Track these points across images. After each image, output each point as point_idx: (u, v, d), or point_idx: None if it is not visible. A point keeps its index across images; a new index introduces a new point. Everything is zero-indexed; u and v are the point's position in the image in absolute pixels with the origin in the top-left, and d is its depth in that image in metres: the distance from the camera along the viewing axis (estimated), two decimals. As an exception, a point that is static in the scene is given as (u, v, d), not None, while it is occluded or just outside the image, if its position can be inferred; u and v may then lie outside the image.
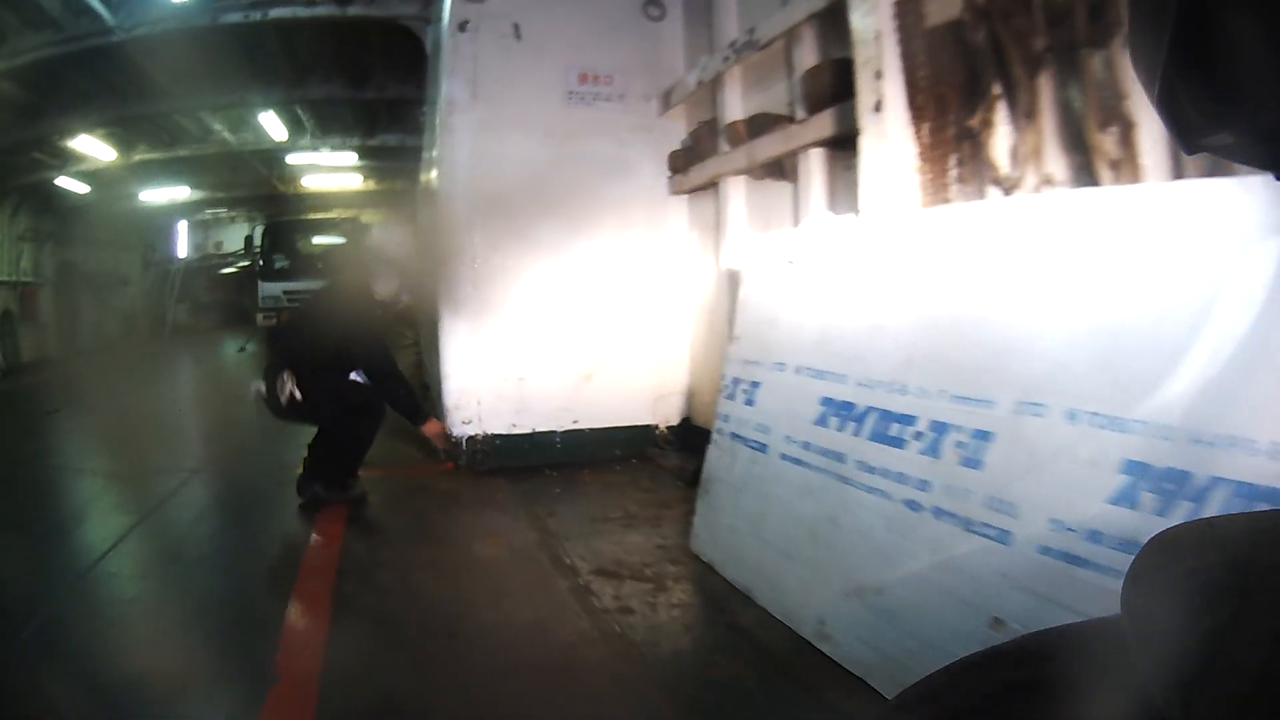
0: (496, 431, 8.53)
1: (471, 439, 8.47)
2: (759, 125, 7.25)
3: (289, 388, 6.97)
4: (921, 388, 4.08)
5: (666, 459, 8.69)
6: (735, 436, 5.67)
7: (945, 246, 4.27)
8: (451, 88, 8.50)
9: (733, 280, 7.23)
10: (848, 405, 4.58)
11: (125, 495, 8.13)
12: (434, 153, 9.43)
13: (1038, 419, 3.38)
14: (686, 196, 9.05)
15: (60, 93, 16.72)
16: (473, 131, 8.48)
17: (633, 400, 8.94)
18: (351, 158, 24.00)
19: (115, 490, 8.41)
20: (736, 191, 7.93)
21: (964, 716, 1.03)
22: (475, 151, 8.48)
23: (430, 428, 7.61)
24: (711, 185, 8.35)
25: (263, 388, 7.14)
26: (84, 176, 23.08)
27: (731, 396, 5.88)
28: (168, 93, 17.22)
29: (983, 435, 3.63)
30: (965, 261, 4.09)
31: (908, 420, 4.10)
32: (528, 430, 8.62)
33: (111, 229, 28.38)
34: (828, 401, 4.75)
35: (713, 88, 8.11)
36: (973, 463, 3.63)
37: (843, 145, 6.14)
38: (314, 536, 6.53)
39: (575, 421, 8.75)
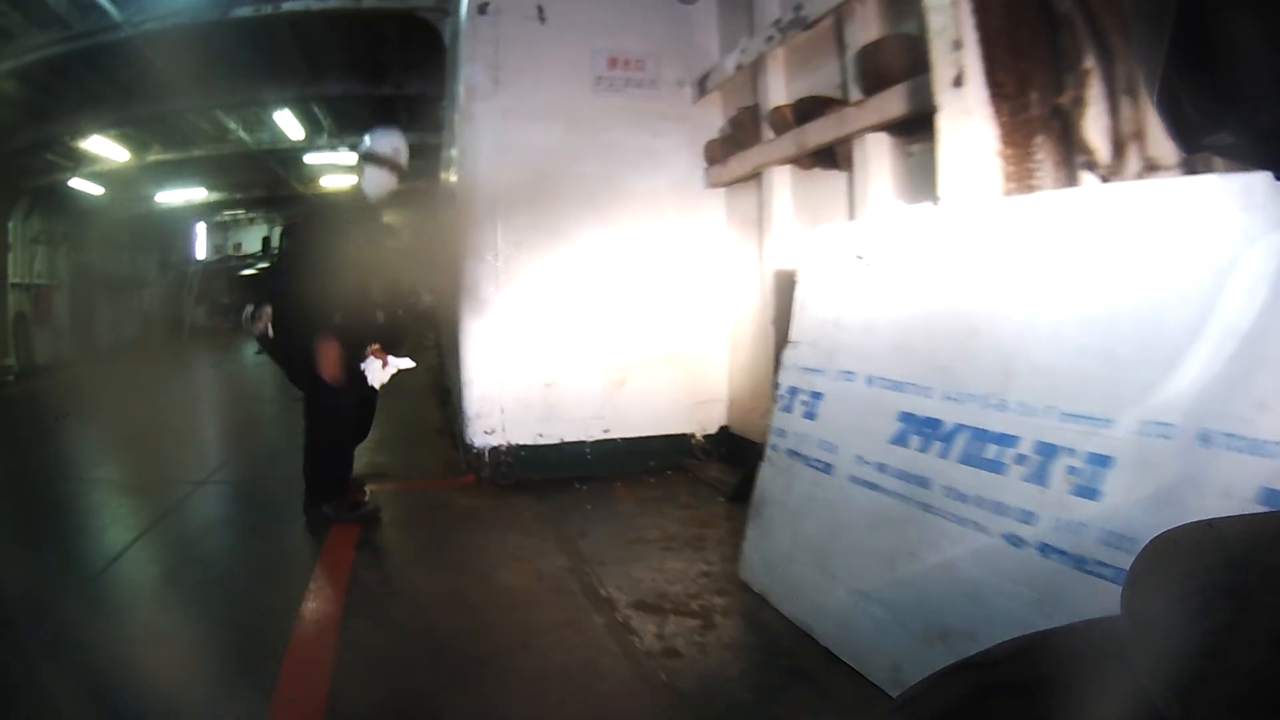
0: (521, 442, 7.95)
1: (494, 450, 7.87)
2: (808, 109, 6.65)
3: (263, 323, 6.76)
4: (1024, 403, 3.53)
5: (705, 470, 8.10)
6: (794, 454, 5.05)
7: (1044, 239, 3.72)
8: (472, 74, 7.91)
9: (783, 279, 6.59)
10: (932, 422, 4.00)
11: (119, 511, 7.63)
12: (453, 145, 8.92)
13: (1165, 440, 2.89)
14: (724, 190, 8.49)
15: (70, 92, 16.31)
16: (495, 120, 7.90)
17: (668, 407, 8.37)
18: None
19: (111, 504, 7.90)
20: (782, 182, 7.37)
21: (948, 717, 1.00)
22: (497, 142, 7.90)
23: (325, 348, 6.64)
24: (753, 177, 7.79)
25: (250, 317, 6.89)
26: (98, 178, 22.68)
27: (789, 408, 5.24)
28: (179, 91, 16.67)
29: (1100, 460, 3.11)
30: (1069, 257, 3.56)
31: (1008, 441, 3.55)
32: (555, 440, 8.04)
33: (128, 231, 28.16)
34: (908, 417, 4.18)
35: (753, 71, 7.55)
36: (1088, 492, 3.11)
37: (905, 129, 5.65)
38: (319, 565, 5.89)
39: (607, 431, 8.16)
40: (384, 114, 18.46)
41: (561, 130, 8.00)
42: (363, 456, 8.81)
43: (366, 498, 7.23)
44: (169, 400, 16.17)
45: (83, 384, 18.95)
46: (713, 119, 8.48)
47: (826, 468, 4.65)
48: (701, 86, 8.33)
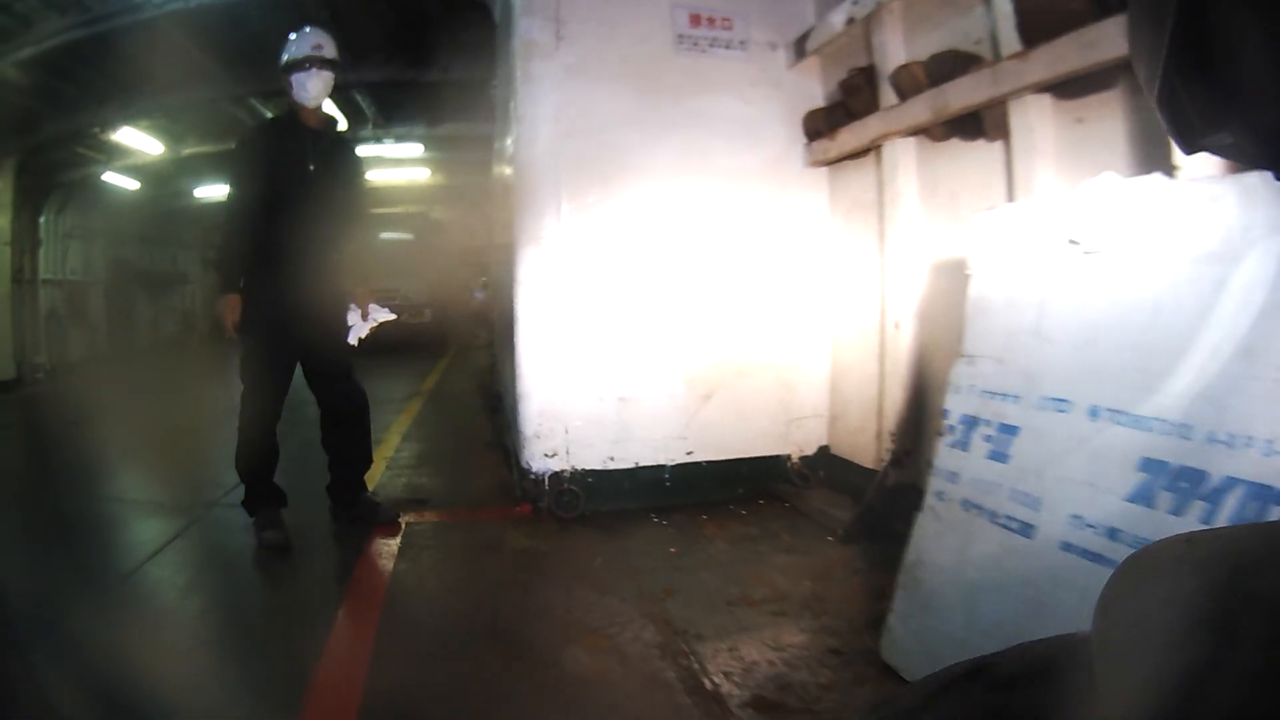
0: (589, 466, 6.62)
1: (556, 476, 6.53)
2: (945, 67, 5.37)
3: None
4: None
5: (803, 500, 6.76)
6: (971, 506, 3.89)
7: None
8: (529, 27, 6.56)
9: (939, 273, 5.62)
10: (1192, 474, 2.92)
11: (103, 542, 6.48)
12: (506, 115, 7.61)
13: None
14: (827, 169, 7.14)
15: (95, 81, 15.32)
16: (558, 82, 6.56)
17: (761, 425, 7.02)
18: (417, 149, 22.02)
19: (94, 531, 6.70)
20: (908, 157, 6.04)
21: None
22: (561, 107, 6.56)
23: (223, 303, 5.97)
24: (867, 152, 6.50)
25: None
26: (132, 172, 21.97)
27: (964, 445, 4.06)
28: (210, 78, 15.68)
29: None
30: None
31: (1307, 504, 2.64)
32: (629, 465, 6.71)
33: (167, 225, 27.58)
34: (1154, 466, 3.06)
35: (866, 28, 6.22)
36: None
37: (1070, 91, 4.64)
38: (330, 645, 4.46)
39: (690, 453, 6.82)
40: (430, 101, 17.91)
41: (636, 94, 6.69)
42: (401, 477, 7.62)
43: (400, 529, 6.20)
44: (199, 400, 14.77)
45: (111, 384, 18.41)
46: (809, 87, 7.13)
47: (1025, 529, 3.52)
48: (798, 49, 6.97)
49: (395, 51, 15.69)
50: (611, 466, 6.65)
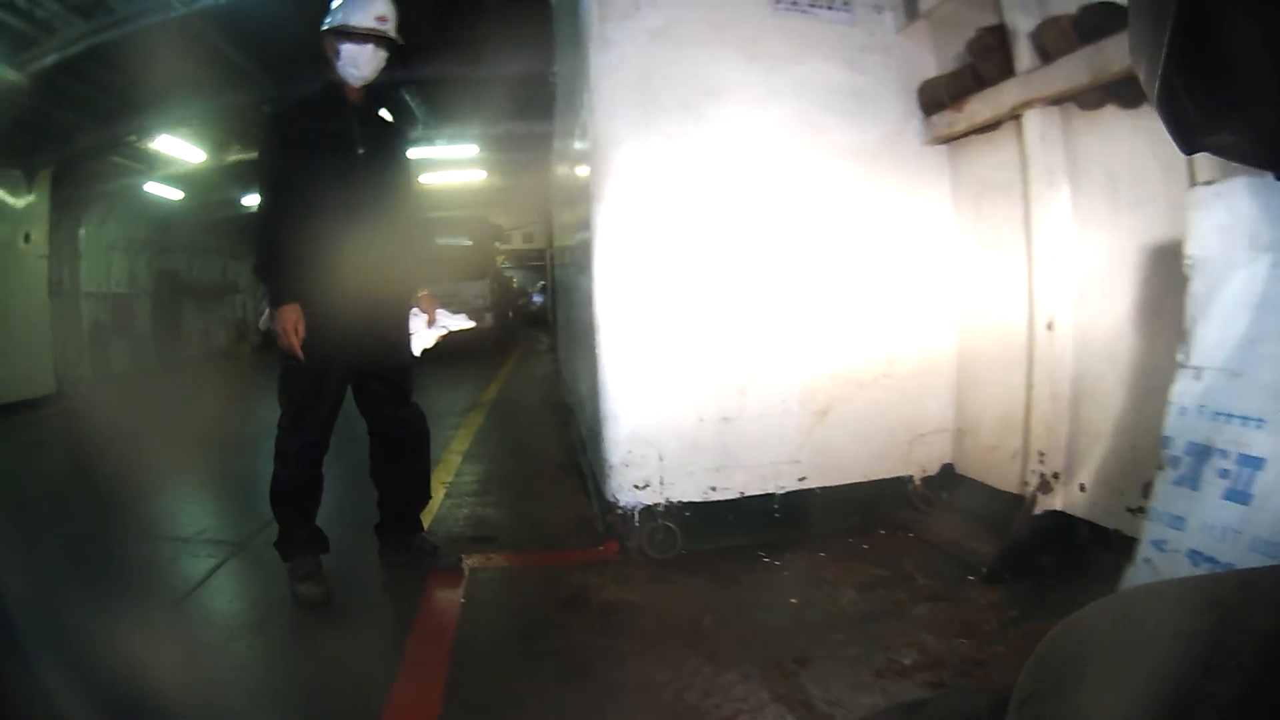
0: (687, 499, 5.56)
1: (648, 511, 5.48)
2: (1104, 20, 4.40)
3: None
4: None
5: (930, 529, 5.72)
6: (1201, 558, 3.18)
7: None
8: (606, -19, 5.57)
9: (1101, 265, 4.75)
10: None
11: (119, 581, 5.55)
12: (575, 90, 6.54)
13: None
14: (946, 148, 6.08)
15: (127, 88, 14.66)
16: (640, 47, 5.51)
17: (881, 443, 5.97)
18: (471, 150, 20.96)
19: (108, 568, 5.84)
20: (1054, 129, 5.01)
21: None
22: (645, 76, 5.51)
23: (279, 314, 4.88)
24: (994, 126, 5.50)
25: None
26: (175, 181, 21.37)
27: (1191, 481, 3.32)
28: (250, 79, 15.09)
29: None
30: None
31: None
32: (734, 494, 5.65)
33: (215, 235, 27.46)
34: None
35: None
36: None
37: None
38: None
39: (803, 479, 5.75)
40: (484, 99, 16.86)
41: (732, 61, 5.64)
42: (462, 506, 6.60)
43: (463, 577, 5.25)
44: (246, 414, 14.12)
45: (154, 397, 18.07)
46: (920, 55, 6.08)
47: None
48: (909, 9, 5.95)
49: (445, 46, 14.81)
50: (713, 498, 5.60)
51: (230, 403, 15.95)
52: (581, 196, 6.22)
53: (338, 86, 5.06)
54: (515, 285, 42.47)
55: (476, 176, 23.76)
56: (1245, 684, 0.72)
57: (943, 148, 6.08)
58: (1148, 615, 0.88)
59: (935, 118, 5.93)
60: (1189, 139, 0.84)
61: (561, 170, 9.30)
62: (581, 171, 6.30)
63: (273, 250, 4.86)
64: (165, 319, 24.56)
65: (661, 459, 5.50)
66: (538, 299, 39.98)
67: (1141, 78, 0.86)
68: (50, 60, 12.37)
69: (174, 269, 25.60)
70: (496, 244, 26.52)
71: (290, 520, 5.05)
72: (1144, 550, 3.46)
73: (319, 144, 4.90)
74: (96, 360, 20.07)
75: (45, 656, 3.26)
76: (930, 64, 6.04)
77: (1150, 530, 3.45)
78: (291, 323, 4.75)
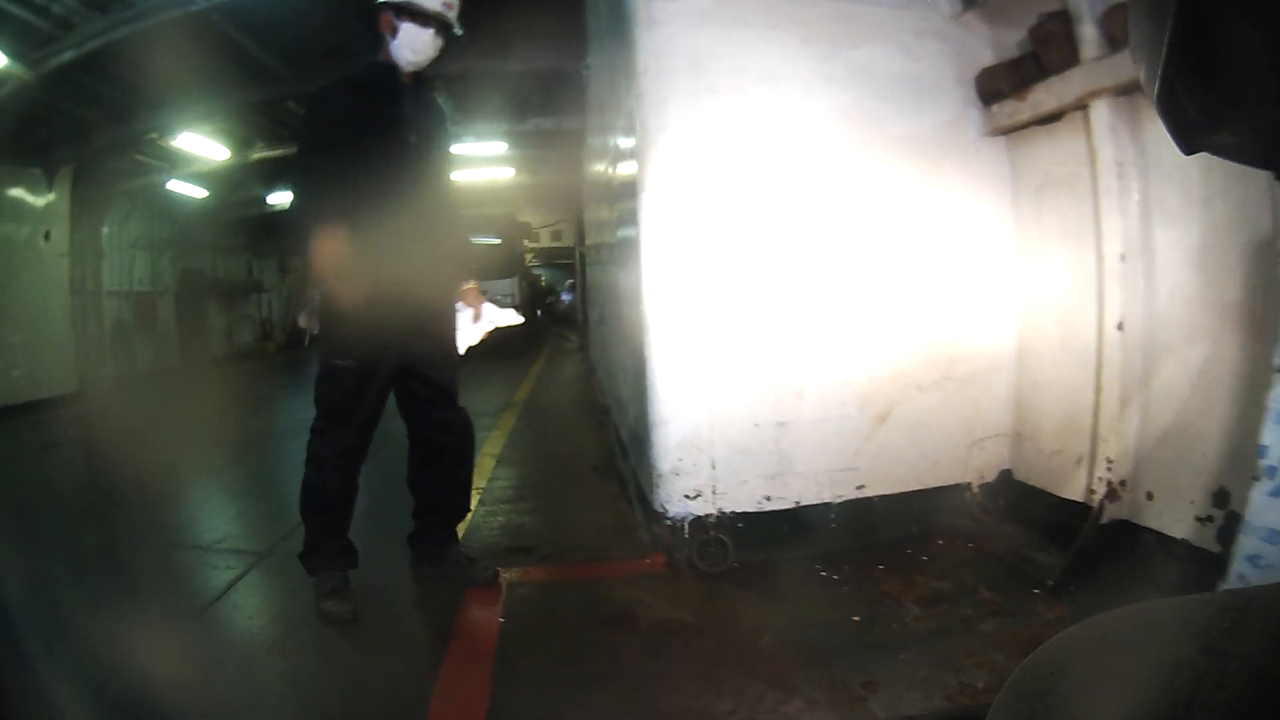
0: (740, 509, 5.22)
1: (699, 522, 5.15)
2: None
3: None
4: None
5: (989, 538, 5.42)
6: None
7: None
8: (653, -41, 5.23)
9: (1176, 262, 4.47)
10: None
11: (133, 589, 5.16)
12: (619, 73, 6.11)
13: None
14: (1005, 139, 5.74)
15: (146, 85, 14.31)
16: (690, 28, 5.16)
17: (940, 448, 5.64)
18: (500, 147, 20.57)
19: (121, 575, 5.53)
20: (1120, 120, 4.73)
21: None
22: (697, 59, 5.17)
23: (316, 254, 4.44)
24: (1057, 117, 5.22)
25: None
26: (199, 179, 21.36)
27: None
28: (273, 75, 14.82)
29: None
30: None
31: None
32: (789, 504, 5.30)
33: (240, 234, 27.88)
34: None
35: None
36: None
37: None
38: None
39: (860, 487, 5.42)
40: (512, 94, 16.69)
41: (787, 44, 5.30)
42: (497, 514, 6.27)
43: (500, 592, 4.89)
44: (270, 412, 14.22)
45: (177, 396, 17.95)
46: (976, 43, 5.74)
47: None
48: (969, -8, 5.63)
49: (471, 40, 14.42)
50: (767, 508, 5.26)
51: (254, 402, 15.77)
52: (626, 189, 5.91)
53: (389, 68, 4.66)
54: (544, 283, 42.27)
55: (505, 174, 23.46)
56: (1228, 713, 0.67)
57: (1001, 139, 5.75)
58: (1128, 644, 0.84)
59: (995, 108, 5.62)
60: (1189, 139, 0.80)
61: (598, 165, 8.97)
62: (626, 163, 5.99)
63: (305, 238, 4.44)
64: (189, 317, 24.53)
65: (714, 467, 5.17)
66: (566, 297, 39.74)
67: (1141, 78, 0.81)
68: (68, 57, 12.24)
69: (199, 267, 25.61)
70: (525, 242, 26.28)
71: (320, 531, 4.70)
72: (1238, 566, 3.34)
73: (368, 127, 4.52)
74: (119, 359, 20.07)
75: (49, 680, 3.02)
76: (986, 52, 5.71)
77: (1244, 545, 3.32)
78: (332, 249, 4.35)
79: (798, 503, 5.31)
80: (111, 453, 9.70)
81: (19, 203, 15.89)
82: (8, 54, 11.86)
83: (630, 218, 5.60)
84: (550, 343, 23.08)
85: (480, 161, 21.57)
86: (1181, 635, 0.77)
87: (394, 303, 4.41)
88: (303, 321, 4.81)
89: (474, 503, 6.24)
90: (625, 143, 6.01)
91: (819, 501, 5.34)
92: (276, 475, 8.48)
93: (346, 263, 4.40)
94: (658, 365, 5.22)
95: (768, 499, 5.26)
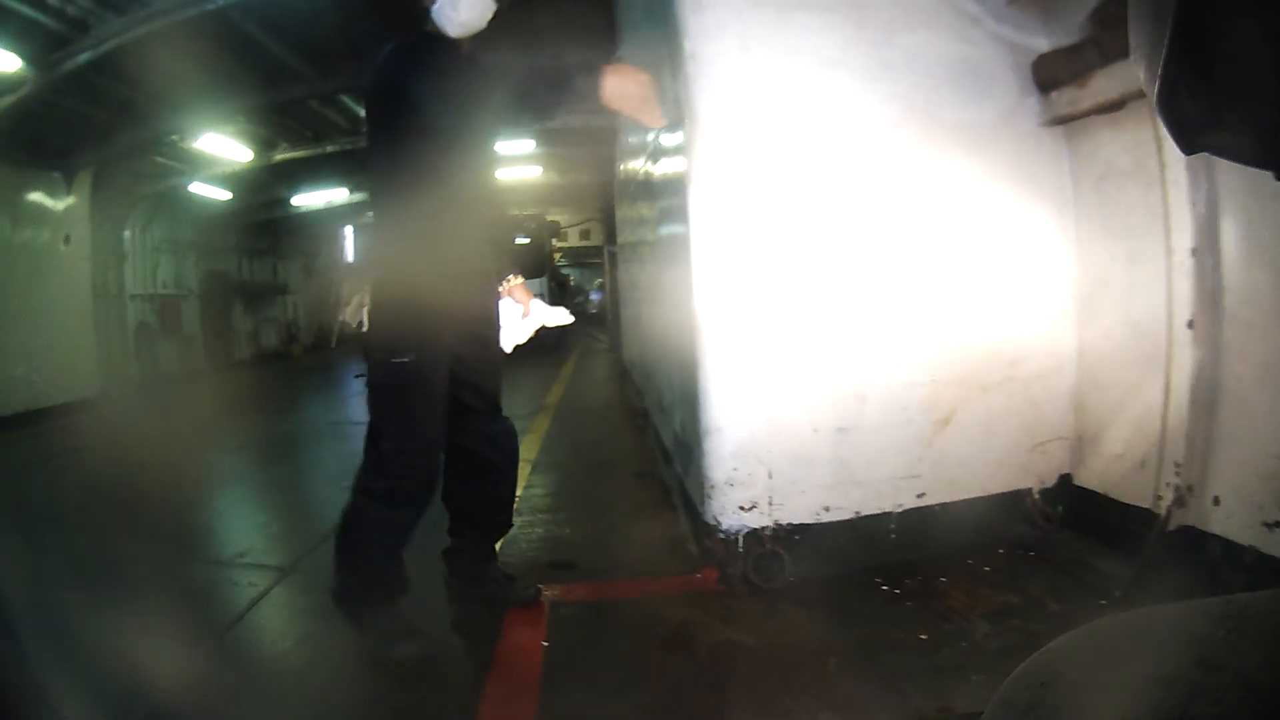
0: (797, 520, 4.90)
1: (754, 535, 4.82)
2: None
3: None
4: None
5: (1050, 547, 5.13)
6: None
7: None
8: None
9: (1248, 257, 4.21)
10: None
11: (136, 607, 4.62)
12: (669, 56, 5.38)
13: None
14: (1063, 128, 5.42)
15: (165, 86, 14.03)
16: (740, 7, 4.84)
17: (1001, 453, 5.32)
18: (528, 146, 20.36)
19: (125, 591, 5.08)
20: None
21: None
22: (748, 41, 4.84)
23: (614, 82, 3.82)
24: (1118, 106, 4.93)
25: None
26: (222, 181, 21.23)
27: None
28: (294, 74, 14.57)
29: None
30: None
31: None
32: (849, 514, 5.00)
33: (265, 236, 27.83)
34: None
35: None
36: None
37: None
38: None
39: (921, 495, 5.11)
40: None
41: (842, 27, 4.97)
42: (536, 525, 5.98)
43: (543, 612, 4.55)
44: (290, 418, 13.97)
45: (201, 398, 17.91)
46: (1030, 28, 5.39)
47: None
48: (1025, -25, 5.29)
49: (500, 33, 14.16)
50: (825, 519, 4.94)
51: (280, 406, 15.54)
52: (670, 184, 5.64)
53: (443, 39, 4.06)
54: (572, 283, 42.00)
55: (533, 173, 23.23)
56: None
57: (1059, 129, 5.43)
58: (1121, 654, 0.86)
59: (1054, 95, 5.31)
60: (1189, 139, 0.83)
61: (634, 161, 8.68)
62: (670, 157, 5.71)
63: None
64: (214, 320, 24.52)
65: (771, 476, 4.85)
66: (595, 296, 39.44)
67: (1141, 78, 0.85)
68: (83, 58, 12.06)
69: (223, 270, 25.54)
70: (554, 240, 25.99)
71: (375, 569, 4.15)
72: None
73: (463, 102, 3.99)
74: (143, 362, 20.07)
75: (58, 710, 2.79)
76: (1042, 38, 5.37)
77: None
78: (642, 81, 3.79)
79: (857, 513, 5.01)
80: (131, 459, 9.41)
81: (38, 207, 15.79)
82: (22, 57, 11.75)
83: (675, 213, 5.33)
84: (580, 343, 22.79)
85: (509, 160, 21.32)
86: (1176, 646, 0.78)
87: (451, 299, 4.07)
88: (349, 315, 4.50)
89: (513, 510, 6.05)
90: (669, 135, 5.71)
91: (879, 511, 5.04)
92: (297, 480, 8.25)
93: (413, 252, 4.02)
94: (710, 369, 4.90)
95: (826, 510, 4.95)
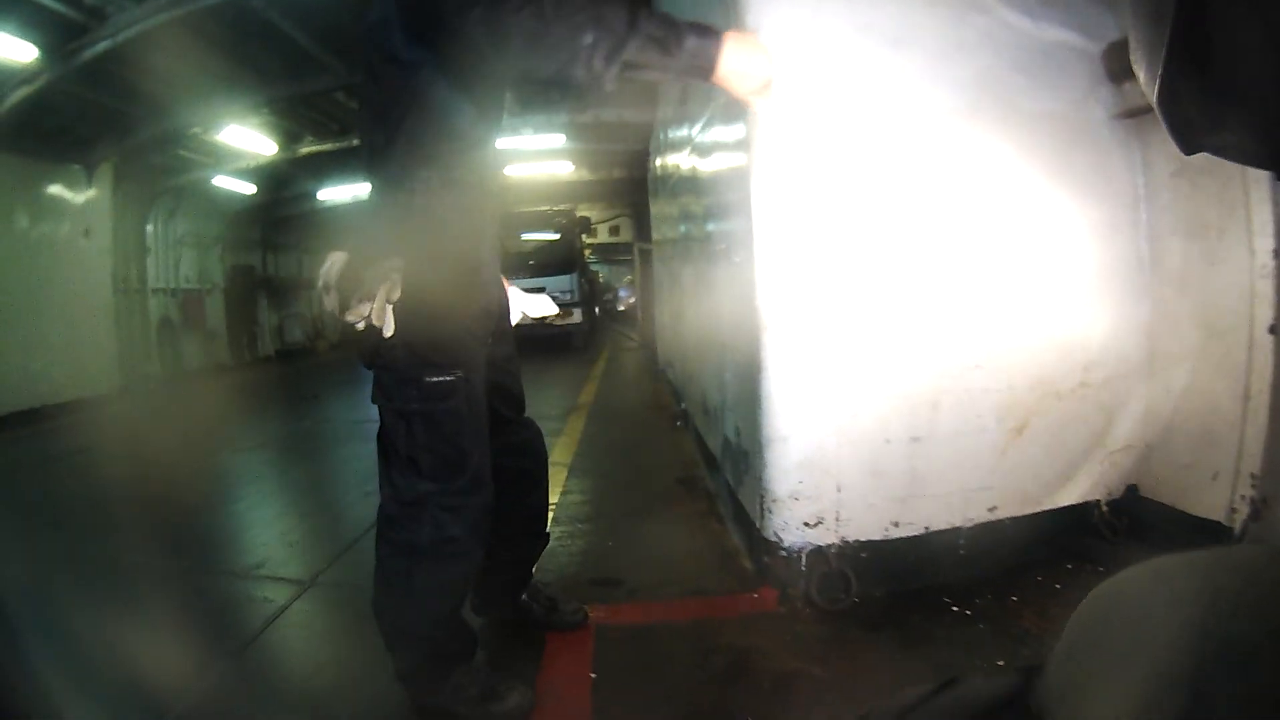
0: (865, 537, 4.52)
1: (819, 553, 4.44)
2: None
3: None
4: None
5: (1119, 561, 4.44)
6: None
7: None
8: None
9: None
10: None
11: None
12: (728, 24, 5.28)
13: None
14: (1135, 121, 5.03)
15: (186, 77, 13.76)
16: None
17: (1072, 462, 4.95)
18: (559, 140, 19.45)
19: (93, 630, 4.28)
20: None
21: None
22: (816, 14, 4.43)
23: (735, 52, 2.96)
24: None
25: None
26: (247, 175, 21.14)
27: None
28: (320, 65, 14.24)
29: None
30: None
31: None
32: (918, 530, 4.61)
33: (290, 230, 27.57)
34: None
35: None
36: None
37: None
38: None
39: (993, 508, 4.73)
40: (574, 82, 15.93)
41: (915, 3, 4.60)
42: (576, 537, 5.60)
43: (589, 635, 4.14)
44: (314, 414, 13.57)
45: (222, 394, 17.92)
46: (1103, 14, 4.99)
47: None
48: (1097, -49, 4.91)
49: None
50: (894, 535, 4.56)
51: (304, 402, 15.23)
52: (724, 178, 5.30)
53: None
54: (601, 280, 41.66)
55: (563, 169, 22.81)
56: (1233, 677, 0.73)
57: (1131, 121, 5.05)
58: (1154, 595, 0.95)
59: (1127, 86, 4.97)
60: (1189, 139, 0.91)
61: (675, 156, 8.35)
62: (725, 150, 5.35)
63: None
64: (238, 315, 24.47)
65: (840, 491, 4.47)
66: (624, 294, 39.14)
67: (1141, 78, 0.98)
68: (101, 48, 11.82)
69: (248, 264, 25.50)
70: (584, 236, 25.54)
71: (441, 639, 3.44)
72: None
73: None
74: (165, 357, 19.97)
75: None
76: (1110, 26, 4.99)
77: None
78: (767, 56, 3.07)
79: (927, 528, 4.63)
80: (145, 458, 9.16)
81: (58, 200, 15.66)
82: (39, 46, 11.54)
83: (731, 207, 4.97)
84: (611, 341, 22.42)
85: (539, 155, 20.96)
86: (1193, 594, 0.89)
87: (489, 292, 3.52)
88: (362, 314, 3.12)
89: (548, 520, 5.72)
90: (724, 126, 5.34)
91: (949, 526, 4.67)
92: (323, 485, 7.92)
93: (451, 238, 3.30)
94: (774, 373, 4.49)
95: (895, 525, 4.58)
